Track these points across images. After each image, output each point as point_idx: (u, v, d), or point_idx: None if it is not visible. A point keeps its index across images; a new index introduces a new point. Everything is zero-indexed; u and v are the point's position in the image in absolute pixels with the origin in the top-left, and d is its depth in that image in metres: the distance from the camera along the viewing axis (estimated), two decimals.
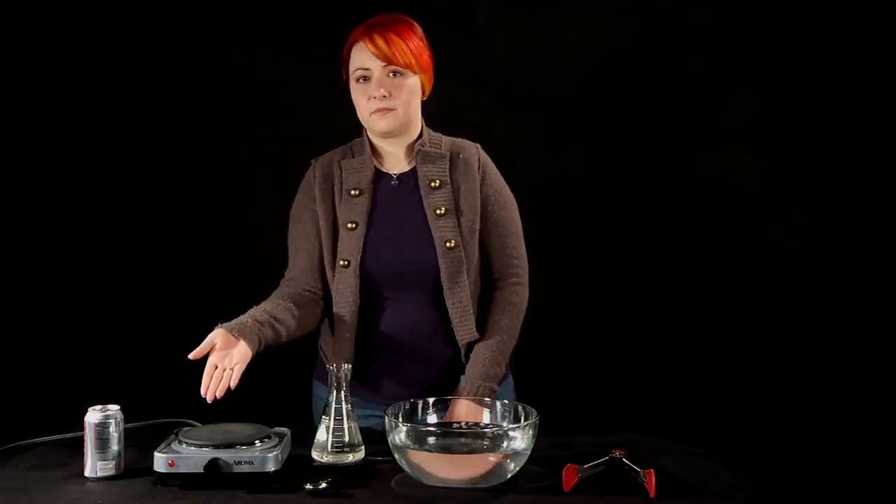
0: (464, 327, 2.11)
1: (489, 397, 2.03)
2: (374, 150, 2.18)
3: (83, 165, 3.12)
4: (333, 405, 1.89)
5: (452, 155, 2.17)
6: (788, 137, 3.05)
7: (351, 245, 2.11)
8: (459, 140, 2.23)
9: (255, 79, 3.09)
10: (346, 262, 2.11)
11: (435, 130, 2.24)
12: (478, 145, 2.23)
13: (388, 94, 2.07)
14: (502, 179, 2.24)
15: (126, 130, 3.13)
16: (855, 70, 3.00)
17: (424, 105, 2.20)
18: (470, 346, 2.12)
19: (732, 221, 3.08)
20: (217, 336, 1.94)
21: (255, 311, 2.06)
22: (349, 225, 2.13)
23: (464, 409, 1.98)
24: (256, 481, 1.75)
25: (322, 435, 1.89)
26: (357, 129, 2.22)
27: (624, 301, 3.11)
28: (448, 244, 2.09)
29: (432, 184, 2.13)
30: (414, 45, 2.08)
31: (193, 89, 3.12)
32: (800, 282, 3.06)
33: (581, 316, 3.10)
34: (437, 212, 2.11)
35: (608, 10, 3.07)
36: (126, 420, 1.87)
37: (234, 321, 2.00)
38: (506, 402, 1.96)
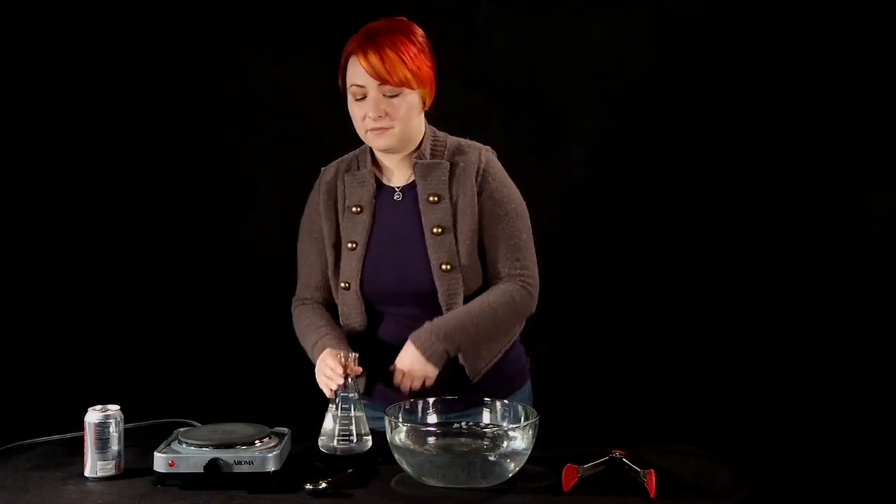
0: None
1: (437, 358, 1.97)
2: (377, 162, 2.13)
3: (84, 166, 3.12)
4: (340, 394, 1.88)
5: (453, 163, 2.07)
6: (788, 137, 3.05)
7: (350, 267, 2.08)
8: (465, 143, 2.12)
9: (255, 79, 3.10)
10: (346, 285, 2.08)
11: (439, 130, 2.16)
12: (485, 148, 2.13)
13: (384, 114, 1.99)
14: (507, 186, 2.11)
15: (127, 131, 3.14)
16: (855, 70, 3.00)
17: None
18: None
19: (732, 222, 3.08)
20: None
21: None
22: (349, 245, 2.09)
23: (407, 360, 1.97)
24: (256, 481, 1.75)
25: (329, 424, 1.89)
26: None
27: (623, 302, 3.11)
28: (444, 267, 2.02)
29: (431, 198, 2.05)
30: (412, 59, 1.98)
31: (194, 90, 3.12)
32: (799, 282, 3.06)
33: (580, 316, 3.10)
34: (435, 231, 2.03)
35: (608, 10, 3.07)
36: (126, 420, 1.86)
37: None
38: (506, 402, 1.95)
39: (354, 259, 2.08)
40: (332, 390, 1.92)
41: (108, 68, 3.11)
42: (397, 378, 1.98)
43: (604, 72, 3.08)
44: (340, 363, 1.91)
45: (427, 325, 1.99)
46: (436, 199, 2.05)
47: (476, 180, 2.07)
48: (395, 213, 2.09)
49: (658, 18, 3.06)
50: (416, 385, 1.98)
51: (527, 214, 2.13)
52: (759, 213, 3.07)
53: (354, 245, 2.08)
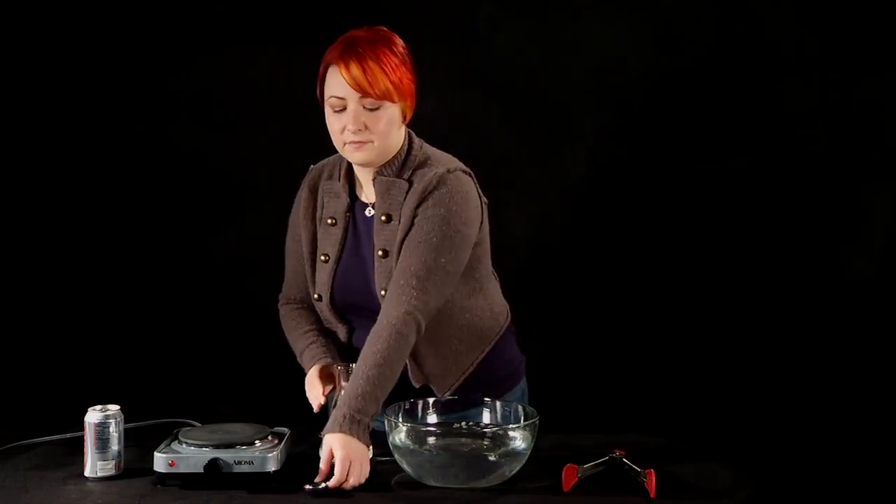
0: (418, 369, 1.99)
1: (365, 433, 1.78)
2: (353, 174, 2.07)
3: (84, 166, 3.12)
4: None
5: (410, 182, 1.97)
6: (788, 137, 3.05)
7: (322, 279, 2.06)
8: (433, 160, 2.00)
9: (255, 79, 3.09)
10: (318, 297, 2.07)
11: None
12: (448, 168, 1.97)
13: (364, 127, 1.91)
14: (447, 209, 1.93)
15: (127, 131, 3.14)
16: (855, 70, 3.00)
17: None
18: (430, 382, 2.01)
19: (732, 222, 3.08)
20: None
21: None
22: (322, 257, 2.06)
23: (340, 449, 1.74)
24: (256, 481, 1.75)
25: None
26: None
27: (623, 301, 3.11)
28: (382, 292, 1.95)
29: (382, 218, 1.98)
30: (393, 70, 1.90)
31: (194, 90, 3.12)
32: (799, 282, 3.06)
33: (581, 316, 3.10)
34: (379, 253, 1.98)
35: (608, 10, 3.07)
36: (126, 420, 1.86)
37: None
38: (506, 402, 1.95)
39: (326, 273, 2.06)
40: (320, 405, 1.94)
41: (108, 68, 3.11)
42: (336, 476, 1.73)
43: (604, 72, 3.08)
44: (325, 394, 1.93)
45: (334, 413, 1.82)
46: (386, 219, 1.99)
47: (417, 200, 1.95)
48: (366, 229, 2.05)
49: (658, 18, 3.06)
50: (365, 470, 1.77)
51: (462, 243, 1.96)
52: (760, 213, 3.07)
53: (327, 258, 2.06)
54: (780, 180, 3.06)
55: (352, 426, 1.77)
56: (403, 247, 1.94)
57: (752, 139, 3.06)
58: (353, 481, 1.74)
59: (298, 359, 2.08)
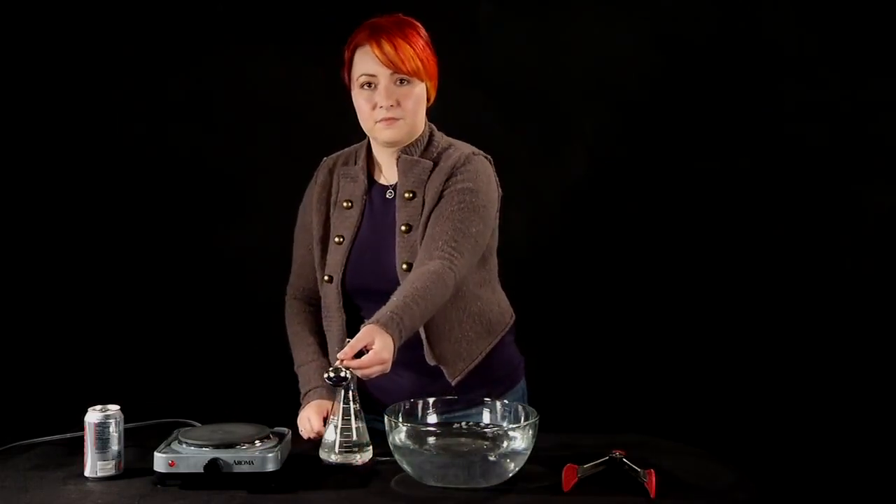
0: (430, 349, 2.02)
1: (398, 338, 1.80)
2: (372, 159, 2.13)
3: (84, 166, 3.12)
4: (341, 405, 1.88)
5: (435, 162, 2.05)
6: (788, 137, 3.05)
7: (335, 260, 2.08)
8: (457, 145, 2.10)
9: (255, 79, 3.10)
10: (329, 278, 2.08)
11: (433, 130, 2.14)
12: (473, 152, 2.08)
13: (396, 103, 1.99)
14: (476, 184, 2.02)
15: (127, 131, 3.14)
16: (855, 70, 3.01)
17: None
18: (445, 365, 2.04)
19: (732, 221, 3.08)
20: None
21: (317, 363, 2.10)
22: (336, 239, 2.09)
23: (381, 346, 1.76)
24: (256, 481, 1.75)
25: (330, 435, 1.87)
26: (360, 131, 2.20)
27: (623, 301, 3.11)
28: (404, 266, 2.00)
29: (406, 195, 2.04)
30: (421, 50, 2.00)
31: (194, 90, 3.12)
32: (799, 282, 3.06)
33: (581, 316, 3.10)
34: (402, 228, 2.03)
35: (608, 10, 3.07)
36: (126, 420, 1.86)
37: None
38: (506, 402, 1.95)
39: (340, 253, 2.08)
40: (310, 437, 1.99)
41: (108, 69, 3.11)
42: (364, 361, 1.75)
43: (604, 72, 3.08)
44: (321, 429, 1.96)
45: (382, 310, 1.83)
46: (410, 195, 2.05)
47: (445, 177, 2.03)
48: (384, 211, 2.09)
49: (658, 18, 3.07)
50: (376, 372, 1.78)
51: (488, 219, 2.04)
52: (759, 212, 3.07)
53: (341, 239, 2.09)
54: (780, 180, 3.06)
55: (394, 330, 1.78)
56: (432, 219, 2.00)
57: (752, 139, 3.06)
58: (371, 372, 1.76)
59: (295, 367, 2.13)
